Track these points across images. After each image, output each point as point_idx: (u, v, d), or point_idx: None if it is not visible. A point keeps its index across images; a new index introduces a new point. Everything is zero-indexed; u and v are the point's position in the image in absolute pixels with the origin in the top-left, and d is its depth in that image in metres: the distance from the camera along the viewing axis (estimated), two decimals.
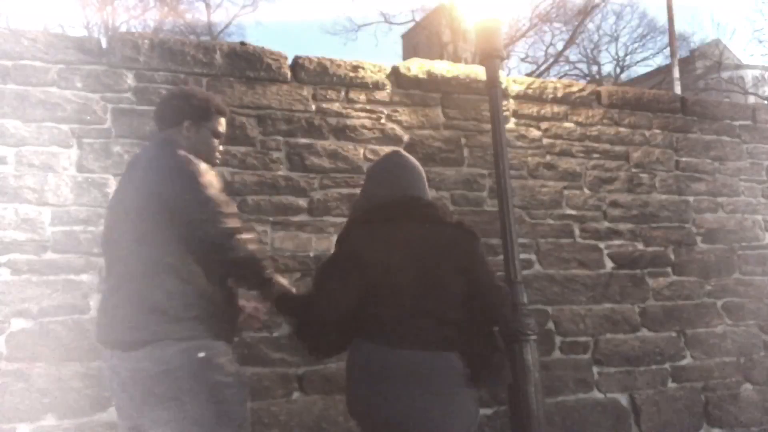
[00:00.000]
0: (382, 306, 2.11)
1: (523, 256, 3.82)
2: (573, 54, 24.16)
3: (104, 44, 3.43)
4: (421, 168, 2.48)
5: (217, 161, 2.41)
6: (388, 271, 2.11)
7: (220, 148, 2.39)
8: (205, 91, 2.50)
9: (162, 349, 1.95)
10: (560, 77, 21.20)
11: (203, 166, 2.11)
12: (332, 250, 2.39)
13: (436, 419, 2.07)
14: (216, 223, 2.02)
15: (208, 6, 22.44)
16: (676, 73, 12.12)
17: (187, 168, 2.07)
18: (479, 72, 4.09)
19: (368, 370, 2.09)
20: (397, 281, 2.10)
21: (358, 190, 3.69)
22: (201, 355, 1.98)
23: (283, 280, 2.27)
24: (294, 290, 2.29)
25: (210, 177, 2.09)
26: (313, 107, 3.74)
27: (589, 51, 25.02)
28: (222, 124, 2.36)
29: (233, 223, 2.05)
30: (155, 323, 1.97)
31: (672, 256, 4.44)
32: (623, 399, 4.08)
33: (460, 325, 2.16)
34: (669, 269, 4.41)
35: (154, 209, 2.03)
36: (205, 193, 2.03)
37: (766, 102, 20.07)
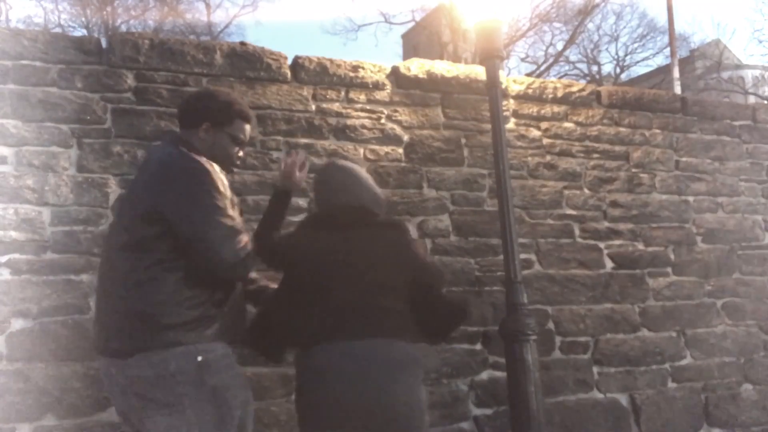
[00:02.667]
0: (314, 305, 2.21)
1: (523, 256, 3.82)
2: (573, 54, 24.21)
3: (104, 44, 3.43)
4: (357, 172, 2.56)
5: (234, 168, 2.34)
6: (316, 272, 2.23)
7: (240, 154, 2.32)
8: (231, 95, 2.42)
9: (157, 354, 1.91)
10: (560, 77, 21.21)
11: (211, 170, 2.05)
12: None
13: (402, 404, 2.13)
14: (222, 245, 1.96)
15: (208, 6, 22.48)
16: (676, 73, 12.14)
17: (195, 175, 2.02)
18: (479, 72, 4.09)
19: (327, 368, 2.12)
20: (325, 281, 2.21)
21: None
22: (199, 359, 1.94)
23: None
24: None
25: (217, 183, 2.03)
26: (313, 107, 3.74)
27: (589, 51, 25.05)
28: (244, 130, 2.29)
29: (236, 235, 1.99)
30: (145, 331, 1.92)
31: (672, 256, 4.44)
32: (623, 399, 4.08)
33: (402, 313, 2.25)
34: (669, 269, 4.41)
35: (151, 213, 1.99)
36: (209, 206, 1.98)
37: (766, 102, 20.07)
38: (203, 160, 2.07)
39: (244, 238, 2.02)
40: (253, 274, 2.38)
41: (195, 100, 2.31)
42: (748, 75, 25.61)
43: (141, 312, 1.94)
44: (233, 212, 2.06)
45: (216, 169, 2.09)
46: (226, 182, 2.10)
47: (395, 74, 3.98)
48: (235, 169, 2.48)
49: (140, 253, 1.98)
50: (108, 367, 2.02)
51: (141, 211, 2.02)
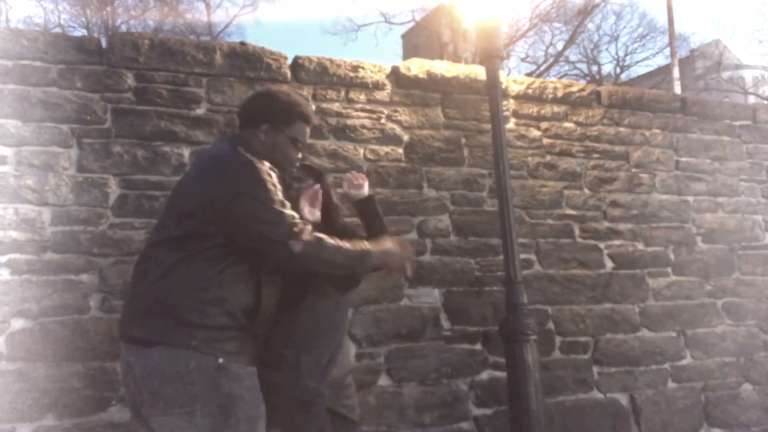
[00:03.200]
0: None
1: (523, 256, 3.83)
2: (573, 54, 24.22)
3: (104, 44, 3.43)
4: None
5: (294, 170, 2.30)
6: None
7: (299, 156, 2.28)
8: (293, 96, 2.35)
9: (177, 350, 1.87)
10: (560, 77, 21.23)
11: (265, 168, 2.01)
12: None
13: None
14: (284, 232, 1.93)
15: (208, 6, 22.49)
16: (676, 73, 12.14)
17: (248, 170, 1.97)
18: (479, 72, 4.09)
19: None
20: None
21: None
22: (220, 360, 1.89)
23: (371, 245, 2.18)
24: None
25: (270, 179, 1.99)
26: (313, 107, 3.74)
27: (589, 51, 25.06)
28: (304, 132, 2.25)
29: (294, 228, 1.95)
30: (167, 322, 1.89)
31: (672, 256, 4.44)
32: (623, 399, 4.08)
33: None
34: (669, 269, 4.41)
35: (199, 207, 1.96)
36: (266, 201, 1.94)
37: (766, 102, 20.07)
38: (254, 158, 2.02)
39: (306, 226, 1.99)
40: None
41: (255, 100, 2.27)
42: (748, 75, 25.61)
43: (164, 304, 1.91)
44: (288, 205, 2.02)
45: (267, 167, 2.04)
46: (276, 181, 2.04)
47: (395, 74, 3.98)
48: None
49: (177, 246, 1.95)
50: (127, 355, 1.97)
51: (189, 204, 1.99)
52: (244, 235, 1.95)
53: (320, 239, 2.00)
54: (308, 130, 2.28)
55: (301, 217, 2.03)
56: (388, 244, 2.24)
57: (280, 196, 1.99)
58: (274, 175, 2.04)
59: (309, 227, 2.00)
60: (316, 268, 2.07)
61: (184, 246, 1.95)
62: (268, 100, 2.23)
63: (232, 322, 1.95)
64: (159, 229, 2.08)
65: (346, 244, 2.07)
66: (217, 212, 1.95)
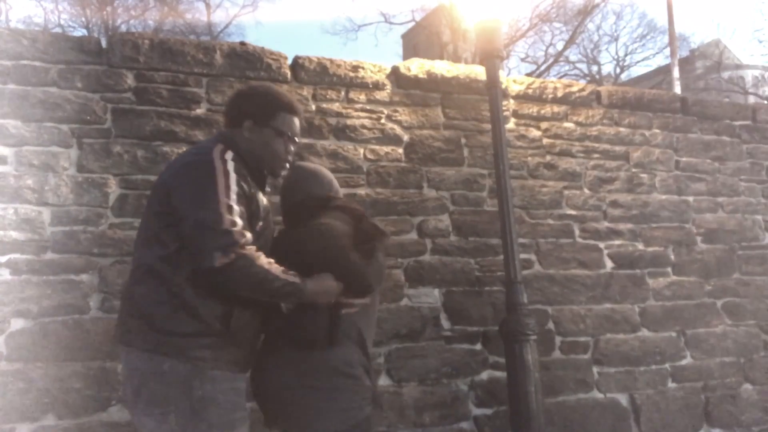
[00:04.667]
0: None
1: (523, 256, 3.83)
2: (573, 54, 24.25)
3: (104, 44, 3.43)
4: (304, 168, 2.48)
5: (286, 165, 2.19)
6: None
7: (292, 149, 2.18)
8: (273, 88, 2.25)
9: (152, 354, 1.85)
10: (560, 77, 21.24)
11: (226, 169, 1.91)
12: None
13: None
14: (209, 238, 1.81)
15: (208, 6, 22.49)
16: (676, 73, 12.14)
17: (204, 168, 1.89)
18: (479, 72, 4.09)
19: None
20: None
21: (358, 190, 3.71)
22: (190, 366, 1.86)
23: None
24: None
25: (225, 180, 1.88)
26: (313, 107, 3.74)
27: (589, 51, 25.08)
28: (291, 123, 2.16)
29: (226, 238, 1.81)
30: (146, 332, 1.87)
31: (672, 256, 4.44)
32: (623, 399, 4.08)
33: None
34: (669, 269, 4.41)
35: (161, 210, 1.94)
36: (209, 200, 1.84)
37: (766, 102, 20.07)
38: (223, 157, 1.94)
39: (243, 239, 1.84)
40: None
41: (237, 98, 2.21)
42: (748, 75, 25.62)
43: (139, 309, 1.90)
44: (238, 210, 1.88)
45: (230, 168, 1.93)
46: (234, 183, 1.92)
47: (395, 74, 3.98)
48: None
49: (147, 249, 1.93)
50: (123, 356, 1.98)
51: (154, 203, 1.98)
52: (183, 235, 1.86)
53: (251, 258, 1.85)
54: (296, 120, 2.19)
55: (244, 229, 1.87)
56: (328, 281, 2.06)
57: (231, 200, 1.87)
58: (234, 178, 1.92)
59: (247, 239, 1.86)
60: (239, 287, 1.88)
61: (155, 247, 1.91)
62: (249, 97, 2.17)
63: (204, 329, 1.88)
64: (141, 227, 2.06)
65: (277, 271, 1.92)
66: (174, 211, 1.89)
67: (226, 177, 1.90)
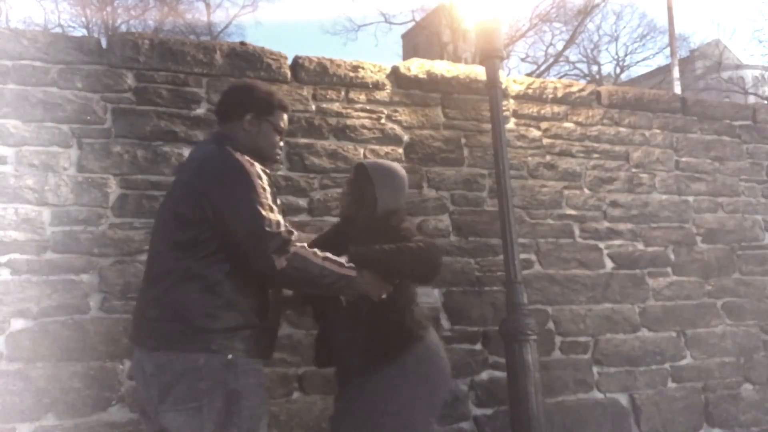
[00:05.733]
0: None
1: (523, 256, 3.83)
2: (573, 54, 24.27)
3: (104, 44, 3.43)
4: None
5: (278, 157, 2.37)
6: None
7: (281, 144, 2.35)
8: (268, 86, 2.43)
9: (188, 354, 1.91)
10: (560, 77, 21.25)
11: (256, 170, 2.03)
12: None
13: None
14: (265, 243, 1.93)
15: (208, 6, 22.50)
16: (676, 73, 12.15)
17: (239, 174, 1.99)
18: (479, 72, 4.09)
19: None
20: None
21: None
22: (229, 357, 1.93)
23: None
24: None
25: (260, 181, 2.01)
26: (313, 107, 3.74)
27: (589, 51, 25.09)
28: (284, 120, 2.32)
29: (279, 240, 1.95)
30: (179, 333, 1.91)
31: (672, 256, 4.44)
32: (623, 399, 4.08)
33: None
34: (669, 269, 4.41)
35: (195, 215, 1.97)
36: (254, 205, 1.95)
37: (766, 102, 20.07)
38: (245, 158, 2.06)
39: (291, 236, 1.99)
40: None
41: (236, 91, 2.31)
42: (748, 75, 25.61)
43: (177, 312, 1.93)
44: (276, 210, 2.03)
45: (258, 169, 2.06)
46: (266, 183, 2.06)
47: (395, 74, 3.98)
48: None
49: (182, 251, 1.97)
50: (140, 360, 2.01)
51: (184, 208, 2.00)
52: (232, 241, 1.97)
53: (304, 256, 2.01)
54: (286, 117, 2.35)
55: (286, 225, 2.02)
56: (366, 272, 2.22)
57: (269, 200, 2.01)
58: (264, 177, 2.06)
59: (295, 236, 2.01)
60: (298, 285, 2.08)
61: (190, 250, 1.97)
62: (250, 91, 2.27)
63: (246, 322, 1.99)
64: (162, 231, 2.09)
65: (332, 265, 2.09)
66: (213, 217, 1.96)
67: (259, 178, 2.02)
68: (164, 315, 1.95)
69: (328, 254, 2.11)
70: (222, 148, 2.09)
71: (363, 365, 2.36)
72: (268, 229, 1.93)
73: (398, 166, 2.78)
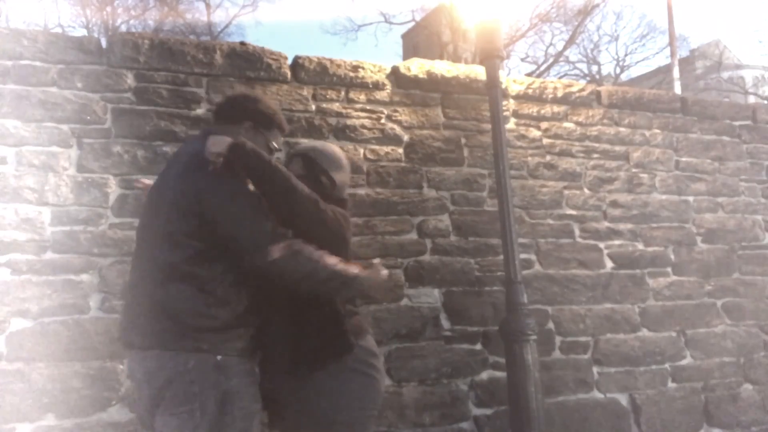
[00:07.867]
0: None
1: (523, 256, 3.83)
2: (573, 54, 24.27)
3: (104, 44, 3.43)
4: None
5: None
6: None
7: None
8: (275, 104, 2.47)
9: (178, 353, 1.90)
10: (560, 77, 21.26)
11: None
12: None
13: None
14: (259, 237, 1.95)
15: (208, 6, 22.50)
16: (676, 73, 12.15)
17: (235, 181, 1.99)
18: (479, 72, 4.09)
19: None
20: None
21: (358, 191, 3.71)
22: (219, 358, 1.92)
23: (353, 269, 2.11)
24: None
25: (250, 186, 2.02)
26: (313, 107, 3.74)
27: (589, 51, 25.09)
28: (278, 141, 2.33)
29: (273, 234, 1.97)
30: (170, 332, 1.90)
31: (672, 256, 4.44)
32: (623, 399, 4.08)
33: None
34: (669, 269, 4.41)
35: (187, 206, 1.96)
36: (248, 208, 1.97)
37: (766, 102, 20.07)
38: None
39: (285, 232, 2.02)
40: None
41: (242, 98, 2.32)
42: (748, 75, 25.62)
43: (167, 310, 1.92)
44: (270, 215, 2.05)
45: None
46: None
47: (395, 74, 3.98)
48: None
49: (173, 248, 1.95)
50: (131, 361, 2.00)
51: (175, 203, 1.99)
52: (226, 239, 1.97)
53: (299, 250, 2.00)
54: (281, 140, 2.39)
55: (281, 226, 2.04)
56: (370, 269, 2.20)
57: (262, 199, 2.02)
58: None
59: (287, 233, 2.02)
60: (293, 278, 2.01)
61: (181, 247, 1.95)
62: (255, 101, 2.29)
63: (238, 322, 1.98)
64: (151, 227, 2.06)
65: (330, 260, 2.05)
66: (206, 213, 1.95)
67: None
68: (154, 313, 1.93)
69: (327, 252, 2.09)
70: None
71: (292, 367, 2.19)
72: (264, 228, 1.96)
73: (329, 144, 2.68)
